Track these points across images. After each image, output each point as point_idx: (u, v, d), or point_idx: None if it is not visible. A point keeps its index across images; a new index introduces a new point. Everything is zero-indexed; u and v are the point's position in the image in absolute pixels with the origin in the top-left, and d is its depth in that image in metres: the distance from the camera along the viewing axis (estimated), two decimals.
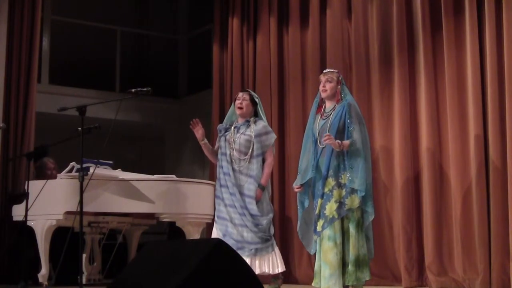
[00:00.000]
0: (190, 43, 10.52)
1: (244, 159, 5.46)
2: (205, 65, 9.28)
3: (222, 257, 3.31)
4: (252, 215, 5.36)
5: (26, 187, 5.60)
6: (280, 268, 5.43)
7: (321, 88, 4.98)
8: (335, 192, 4.78)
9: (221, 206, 5.45)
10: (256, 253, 5.32)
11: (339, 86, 4.98)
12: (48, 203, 5.84)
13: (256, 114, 5.64)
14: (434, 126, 5.81)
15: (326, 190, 4.80)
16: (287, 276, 5.94)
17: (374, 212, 4.82)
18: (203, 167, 9.50)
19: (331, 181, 4.80)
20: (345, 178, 4.78)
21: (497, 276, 5.18)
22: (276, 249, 5.47)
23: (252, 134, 5.49)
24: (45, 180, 5.79)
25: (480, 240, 5.32)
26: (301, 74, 7.10)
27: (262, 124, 5.59)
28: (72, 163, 6.07)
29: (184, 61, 10.51)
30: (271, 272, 5.39)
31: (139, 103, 9.38)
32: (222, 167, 5.49)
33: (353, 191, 4.76)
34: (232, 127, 5.57)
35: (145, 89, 4.75)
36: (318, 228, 4.81)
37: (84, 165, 4.86)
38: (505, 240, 5.17)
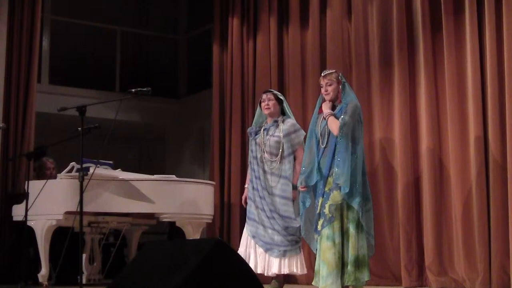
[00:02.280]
0: (190, 43, 10.51)
1: (275, 160, 5.49)
2: (205, 65, 9.27)
3: (222, 257, 3.31)
4: (282, 217, 5.39)
5: (26, 187, 5.60)
6: (305, 269, 5.50)
7: (323, 92, 4.98)
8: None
9: (252, 208, 5.52)
10: (285, 254, 5.38)
11: (340, 86, 4.98)
12: (48, 203, 5.84)
13: (283, 113, 5.66)
14: (434, 126, 5.80)
15: (326, 189, 4.81)
16: (287, 276, 5.93)
17: (360, 209, 4.74)
18: (203, 167, 9.49)
19: (331, 181, 4.80)
20: (333, 173, 4.77)
21: (497, 276, 5.18)
22: (302, 251, 5.53)
23: (281, 134, 5.51)
24: (45, 180, 5.78)
25: (480, 240, 5.31)
26: (301, 74, 7.09)
27: (290, 122, 5.61)
28: (72, 163, 6.07)
29: (184, 61, 10.50)
30: (299, 272, 5.46)
31: (139, 103, 9.38)
32: (254, 170, 5.56)
33: (337, 186, 4.74)
34: (262, 129, 5.61)
35: (145, 89, 4.76)
36: (319, 227, 4.82)
37: (84, 165, 4.87)
38: (505, 240, 5.17)
